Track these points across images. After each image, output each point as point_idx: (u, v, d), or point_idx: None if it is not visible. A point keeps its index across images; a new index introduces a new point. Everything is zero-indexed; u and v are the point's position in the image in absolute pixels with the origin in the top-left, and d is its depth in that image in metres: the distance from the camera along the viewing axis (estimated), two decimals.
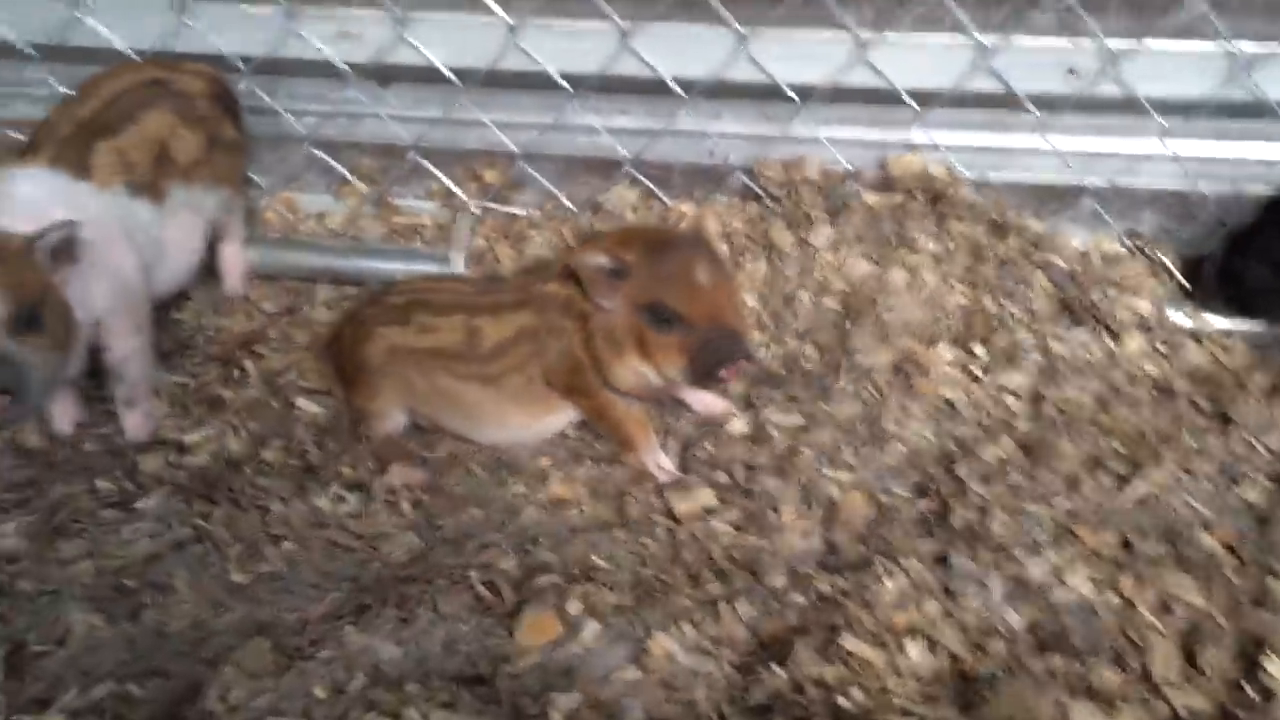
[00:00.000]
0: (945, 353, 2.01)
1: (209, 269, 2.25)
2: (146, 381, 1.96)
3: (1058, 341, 2.00)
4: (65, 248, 1.68)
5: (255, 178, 2.44)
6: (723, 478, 1.83)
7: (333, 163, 2.38)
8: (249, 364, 2.09)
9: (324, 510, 1.77)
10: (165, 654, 1.50)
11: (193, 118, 2.02)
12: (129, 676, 1.44)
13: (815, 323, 2.11)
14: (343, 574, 1.65)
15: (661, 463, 1.84)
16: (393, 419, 1.92)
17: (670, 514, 1.73)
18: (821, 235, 2.19)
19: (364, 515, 1.78)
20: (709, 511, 1.73)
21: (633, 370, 1.70)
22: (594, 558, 1.64)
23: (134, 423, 1.93)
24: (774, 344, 2.09)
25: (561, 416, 1.88)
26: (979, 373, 1.98)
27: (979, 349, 2.01)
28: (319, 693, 1.39)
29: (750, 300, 2.16)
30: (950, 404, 1.95)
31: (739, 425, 1.94)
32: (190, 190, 2.04)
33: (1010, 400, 1.94)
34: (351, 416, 1.94)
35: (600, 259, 1.65)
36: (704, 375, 1.62)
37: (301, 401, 2.00)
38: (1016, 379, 1.96)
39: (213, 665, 1.45)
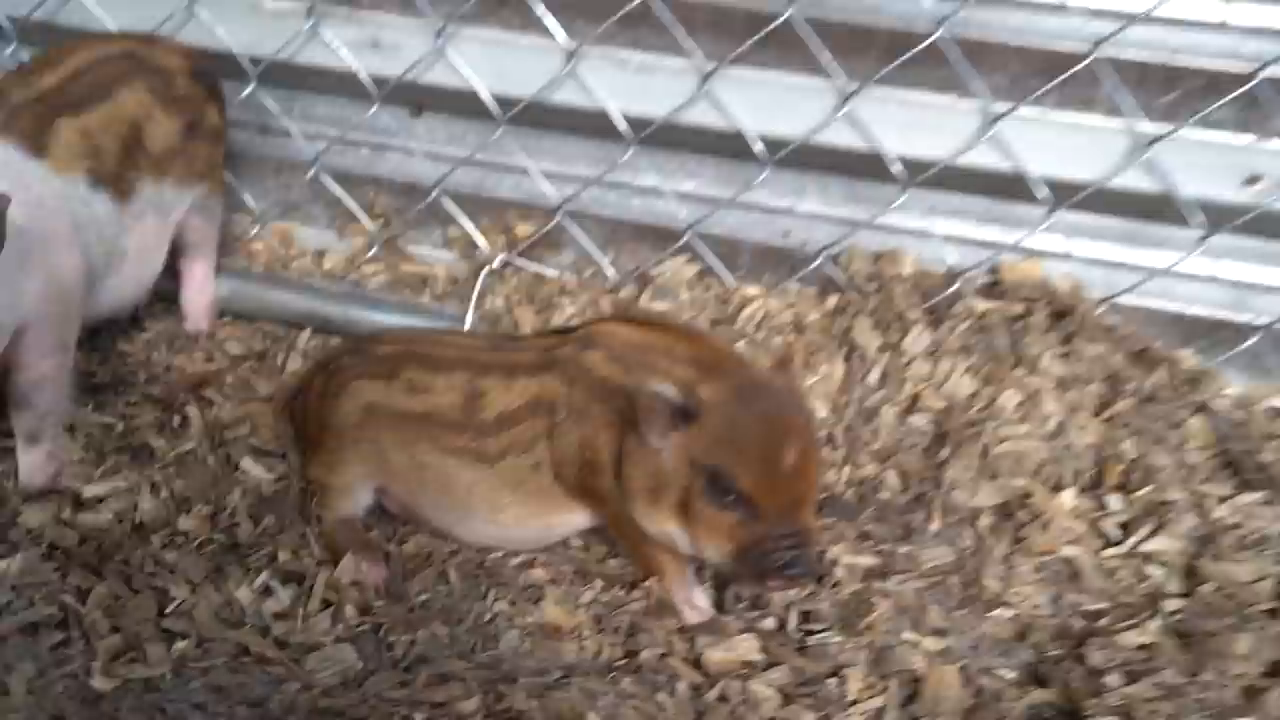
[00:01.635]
0: (1069, 501, 1.63)
1: (170, 299, 1.94)
2: (59, 414, 1.62)
3: (1221, 505, 1.61)
4: None
5: (249, 201, 2.18)
6: (770, 624, 1.47)
7: (342, 194, 2.13)
8: (193, 411, 1.75)
9: (242, 603, 1.42)
10: None
11: (170, 99, 1.74)
12: None
13: (900, 445, 1.75)
14: (247, 694, 1.27)
15: (693, 598, 1.47)
16: (355, 498, 1.58)
17: (697, 664, 1.40)
18: (917, 340, 1.84)
19: (294, 616, 1.41)
20: (749, 667, 1.39)
21: (661, 525, 1.37)
22: (589, 715, 1.26)
23: (32, 463, 1.58)
24: (847, 465, 1.72)
25: (569, 519, 1.51)
26: (1114, 531, 1.60)
27: (1114, 501, 1.63)
28: None
29: (821, 408, 1.78)
30: (1072, 566, 1.56)
31: None
32: (161, 187, 1.75)
33: (1155, 571, 1.55)
34: (304, 488, 1.57)
35: (668, 390, 1.29)
36: (750, 577, 1.34)
37: (247, 463, 1.65)
38: (1164, 545, 1.57)
39: None
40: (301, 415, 1.63)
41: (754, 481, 1.27)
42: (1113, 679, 1.35)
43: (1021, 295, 1.89)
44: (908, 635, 1.43)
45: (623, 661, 1.38)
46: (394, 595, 1.47)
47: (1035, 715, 1.34)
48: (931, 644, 1.43)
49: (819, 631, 1.43)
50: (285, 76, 2.07)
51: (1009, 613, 1.48)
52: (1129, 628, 1.43)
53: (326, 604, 1.42)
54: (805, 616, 1.46)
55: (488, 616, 1.44)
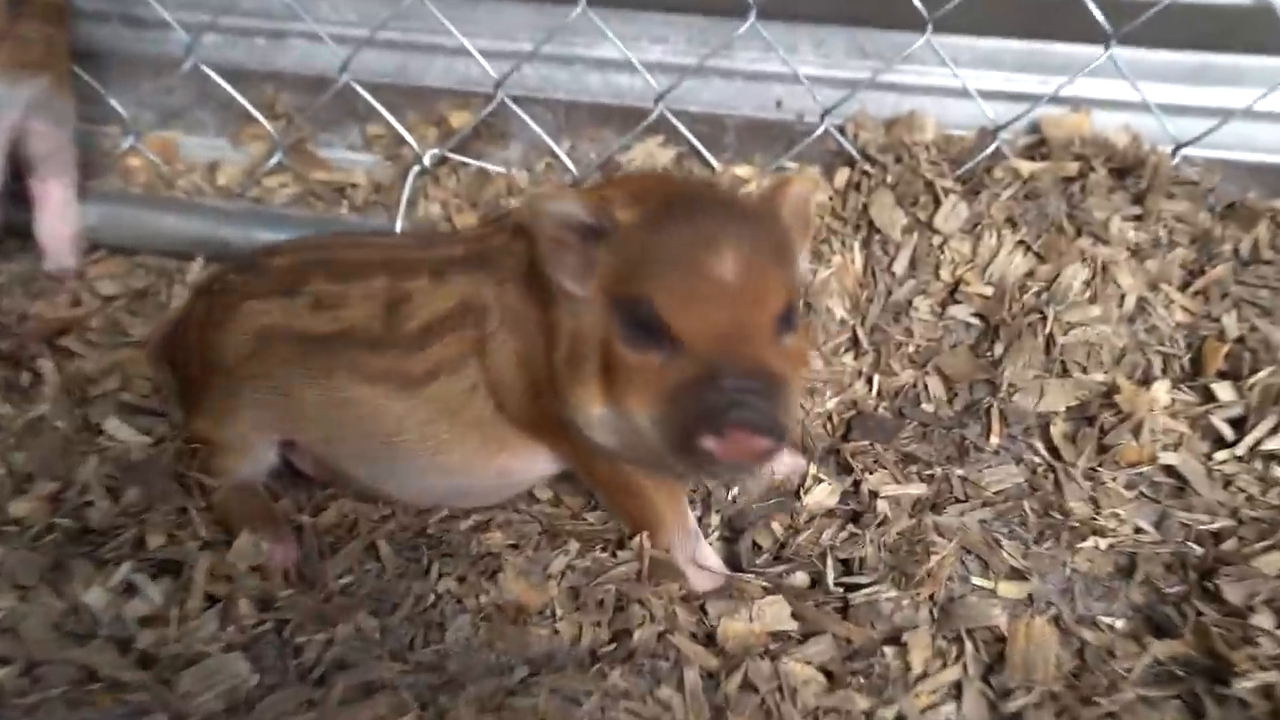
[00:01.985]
0: (1163, 395, 1.30)
1: (25, 233, 1.59)
2: None
3: None
4: None
5: (119, 109, 1.79)
6: (802, 580, 1.14)
7: (234, 93, 1.75)
8: (48, 365, 1.38)
9: (93, 609, 1.06)
10: None
11: None
12: None
13: (941, 343, 1.44)
14: None
15: (700, 555, 1.13)
16: (253, 455, 1.22)
17: (710, 641, 1.06)
18: (951, 215, 1.49)
19: (166, 621, 1.05)
20: (780, 640, 1.06)
21: (588, 407, 1.01)
22: None
23: None
24: (877, 373, 1.39)
25: (530, 461, 1.16)
26: (1225, 429, 1.27)
27: (1222, 391, 1.30)
28: None
29: (838, 308, 1.44)
30: (1177, 476, 1.24)
31: (824, 495, 1.23)
32: None
33: None
34: (184, 449, 1.21)
35: (569, 206, 0.97)
36: (681, 438, 0.92)
37: (112, 424, 1.30)
38: None
39: None
40: (182, 356, 1.27)
41: (673, 302, 0.93)
42: (1262, 619, 1.02)
43: (1073, 153, 1.54)
44: (978, 581, 1.14)
45: (610, 647, 1.04)
46: (306, 581, 1.12)
47: (1164, 675, 1.02)
48: (1010, 590, 1.12)
49: (866, 586, 1.09)
50: None
51: (1104, 542, 1.17)
52: (1268, 549, 1.11)
53: (212, 600, 1.07)
54: (845, 566, 1.13)
55: (430, 599, 1.10)
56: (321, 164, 1.78)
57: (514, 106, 1.67)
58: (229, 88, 1.72)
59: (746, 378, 0.89)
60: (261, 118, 1.75)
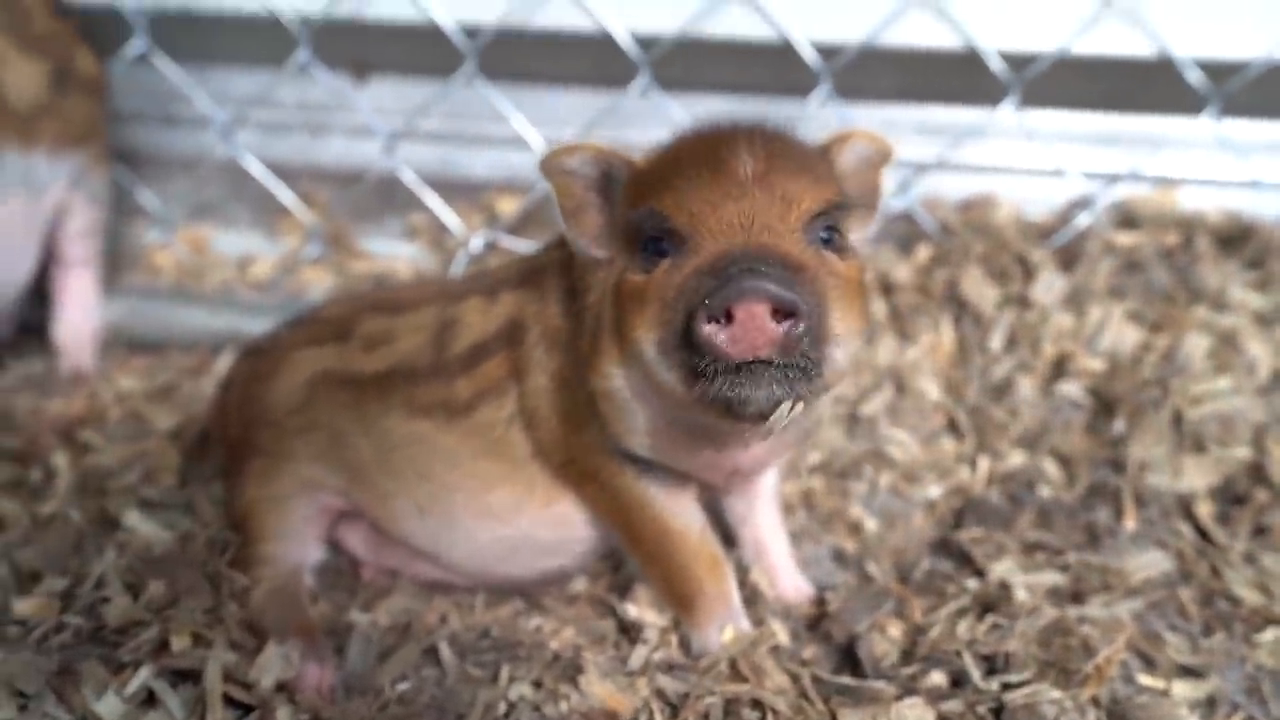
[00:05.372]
0: None
1: (40, 330, 1.47)
2: None
3: None
4: None
5: (152, 203, 1.69)
6: (940, 681, 0.95)
7: (271, 180, 1.65)
8: (62, 460, 1.23)
9: None
10: None
11: (30, 38, 1.35)
12: None
13: (1051, 423, 1.30)
14: None
15: (736, 620, 0.98)
16: (298, 535, 1.08)
17: None
18: (1049, 287, 1.37)
19: None
20: None
21: (615, 368, 0.90)
22: None
23: None
24: (983, 456, 1.23)
25: (580, 514, 1.03)
26: None
27: None
28: None
29: (931, 389, 1.31)
30: None
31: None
32: (30, 155, 1.35)
33: None
34: (218, 536, 1.06)
35: (579, 159, 0.91)
36: (682, 344, 0.79)
37: (132, 518, 1.14)
38: None
39: None
40: (224, 426, 1.15)
41: (679, 198, 0.82)
42: None
43: (1171, 223, 1.44)
44: (1146, 680, 0.96)
45: None
46: (355, 690, 0.95)
47: None
48: (1186, 690, 0.95)
49: (1017, 685, 0.91)
50: (189, 39, 1.63)
51: None
52: None
53: (244, 710, 0.89)
54: (989, 664, 0.95)
55: (502, 708, 0.92)
56: (360, 255, 1.68)
57: None
58: (265, 172, 1.61)
59: (758, 258, 0.76)
60: (299, 209, 1.64)
